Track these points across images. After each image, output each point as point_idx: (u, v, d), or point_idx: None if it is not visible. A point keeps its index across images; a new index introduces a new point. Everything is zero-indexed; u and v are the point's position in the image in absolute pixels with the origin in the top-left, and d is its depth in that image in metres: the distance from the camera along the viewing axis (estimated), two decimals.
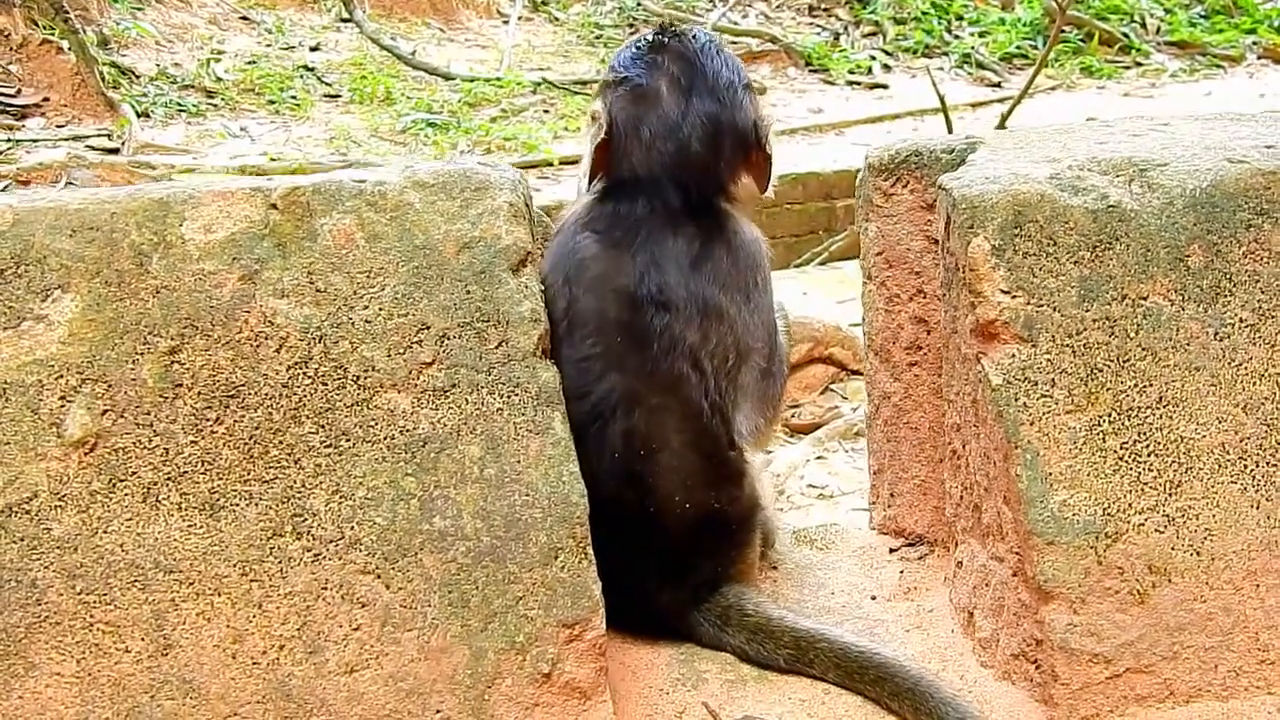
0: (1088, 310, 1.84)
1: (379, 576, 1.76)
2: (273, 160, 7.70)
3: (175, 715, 1.70)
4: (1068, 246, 1.86)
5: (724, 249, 2.03)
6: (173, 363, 1.77)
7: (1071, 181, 1.90)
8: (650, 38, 2.14)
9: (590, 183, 2.11)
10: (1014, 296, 1.84)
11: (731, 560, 2.05)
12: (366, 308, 1.82)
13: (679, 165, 2.04)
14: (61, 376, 1.74)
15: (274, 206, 1.84)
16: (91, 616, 1.71)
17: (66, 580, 1.71)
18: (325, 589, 1.75)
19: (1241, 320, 1.86)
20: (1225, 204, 1.89)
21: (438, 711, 1.75)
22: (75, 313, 1.77)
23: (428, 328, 1.82)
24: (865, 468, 2.43)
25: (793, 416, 4.62)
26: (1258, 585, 1.83)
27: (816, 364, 4.73)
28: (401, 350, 1.81)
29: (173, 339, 1.77)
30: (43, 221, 1.79)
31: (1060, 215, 1.86)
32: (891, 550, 2.30)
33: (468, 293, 1.84)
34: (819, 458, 4.33)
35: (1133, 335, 1.84)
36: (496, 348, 1.83)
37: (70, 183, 7.37)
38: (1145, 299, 1.85)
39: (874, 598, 2.18)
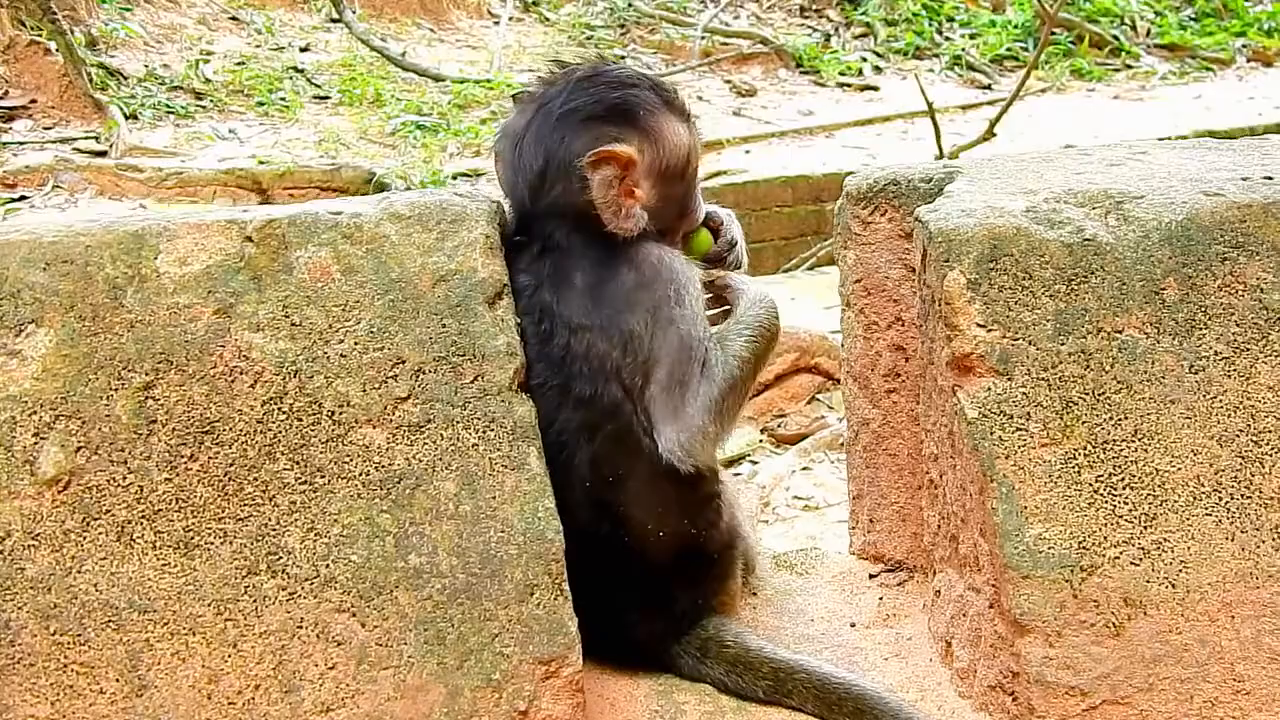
0: (1063, 344, 1.84)
1: (354, 615, 1.76)
2: (261, 163, 7.69)
3: None
4: (1043, 280, 1.86)
5: (626, 270, 2.00)
6: (147, 398, 1.77)
7: (1048, 215, 1.90)
8: (564, 63, 2.16)
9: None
10: (989, 330, 1.84)
11: (713, 593, 2.05)
12: (342, 342, 1.82)
13: (519, 191, 2.06)
14: (35, 413, 1.74)
15: (249, 239, 1.84)
16: (66, 657, 1.70)
17: (40, 621, 1.70)
18: (301, 627, 1.75)
19: (1216, 353, 1.86)
20: (1201, 237, 1.89)
21: None
22: (49, 347, 1.76)
23: (403, 362, 1.82)
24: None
25: (779, 426, 4.62)
26: (1233, 617, 1.84)
27: (802, 373, 4.72)
28: (377, 385, 1.81)
29: (147, 374, 1.77)
30: (16, 254, 1.79)
31: (1036, 249, 1.86)
32: (871, 576, 2.30)
33: (443, 326, 1.84)
34: (805, 468, 4.34)
35: (1108, 368, 1.84)
36: (472, 382, 1.83)
37: (58, 185, 7.37)
38: (1120, 332, 1.86)
39: (853, 625, 2.18)
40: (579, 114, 2.03)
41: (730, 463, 4.29)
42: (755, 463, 4.40)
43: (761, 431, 4.63)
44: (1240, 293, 1.88)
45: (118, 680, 1.71)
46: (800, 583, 2.33)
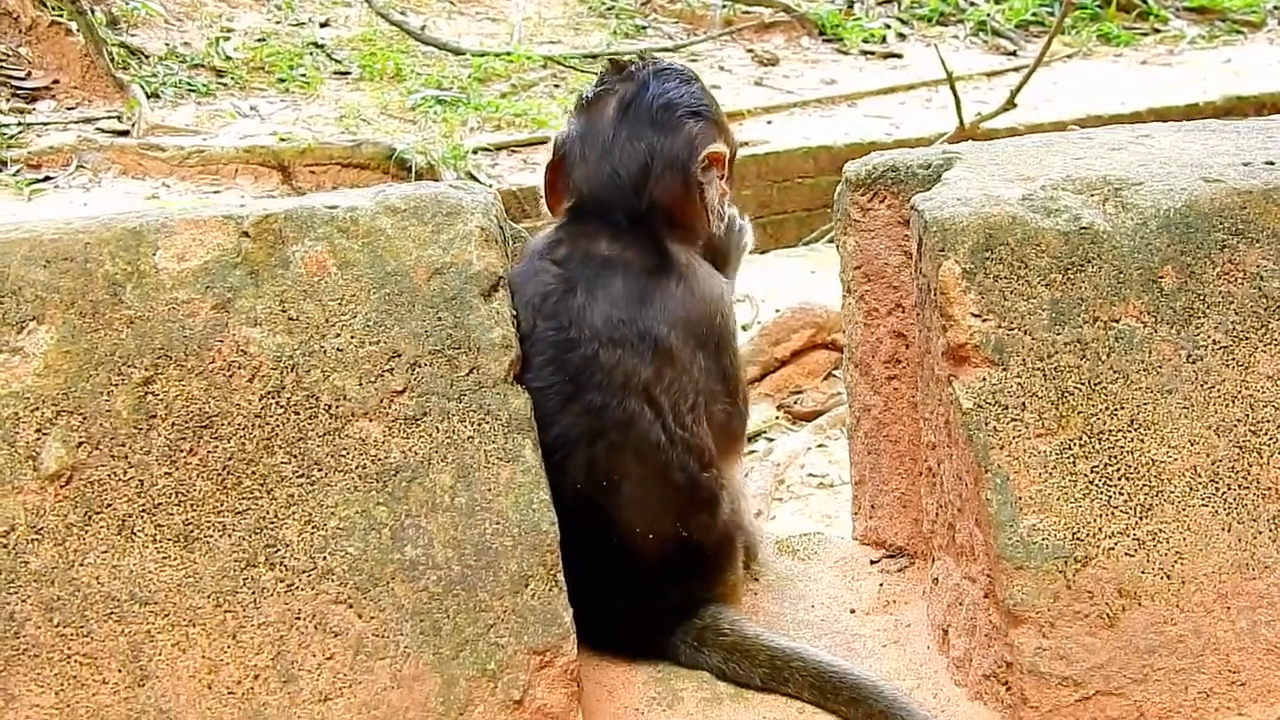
0: (1059, 333, 1.84)
1: (351, 606, 1.78)
2: (282, 140, 7.71)
3: None
4: (1039, 269, 1.85)
5: (675, 285, 1.99)
6: (147, 393, 1.78)
7: (1044, 203, 1.89)
8: (618, 62, 2.14)
9: (546, 205, 2.12)
10: (985, 320, 1.84)
11: (709, 585, 2.05)
12: (338, 336, 1.83)
13: (612, 190, 2.02)
14: (38, 409, 1.76)
15: (246, 234, 1.85)
16: (69, 648, 1.73)
17: (44, 613, 1.73)
18: (299, 619, 1.77)
19: (1215, 342, 1.85)
20: (1200, 224, 1.87)
21: None
22: (50, 344, 1.78)
23: (399, 355, 1.83)
24: None
25: (795, 403, 4.62)
26: (1228, 608, 1.83)
27: (819, 350, 4.71)
28: (373, 378, 1.82)
29: (146, 369, 1.79)
30: (17, 253, 1.81)
31: (1032, 237, 1.85)
32: (872, 562, 2.31)
33: (439, 319, 1.85)
34: (820, 445, 4.34)
35: (1104, 358, 1.84)
36: (467, 375, 1.84)
37: (81, 166, 7.41)
38: (1117, 321, 1.85)
39: (853, 611, 2.19)
40: (679, 108, 2.04)
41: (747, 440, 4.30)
42: (771, 440, 4.41)
43: (778, 408, 4.63)
44: (1239, 281, 1.87)
45: (120, 671, 1.73)
46: (802, 568, 2.34)
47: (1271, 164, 1.95)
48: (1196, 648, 1.83)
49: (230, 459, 1.79)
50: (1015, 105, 6.74)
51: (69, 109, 8.02)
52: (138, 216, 1.88)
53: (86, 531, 1.75)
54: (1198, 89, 9.50)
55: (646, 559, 1.99)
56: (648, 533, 1.97)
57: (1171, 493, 1.83)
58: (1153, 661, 1.82)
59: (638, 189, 2.02)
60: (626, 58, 2.17)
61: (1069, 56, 10.72)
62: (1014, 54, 10.99)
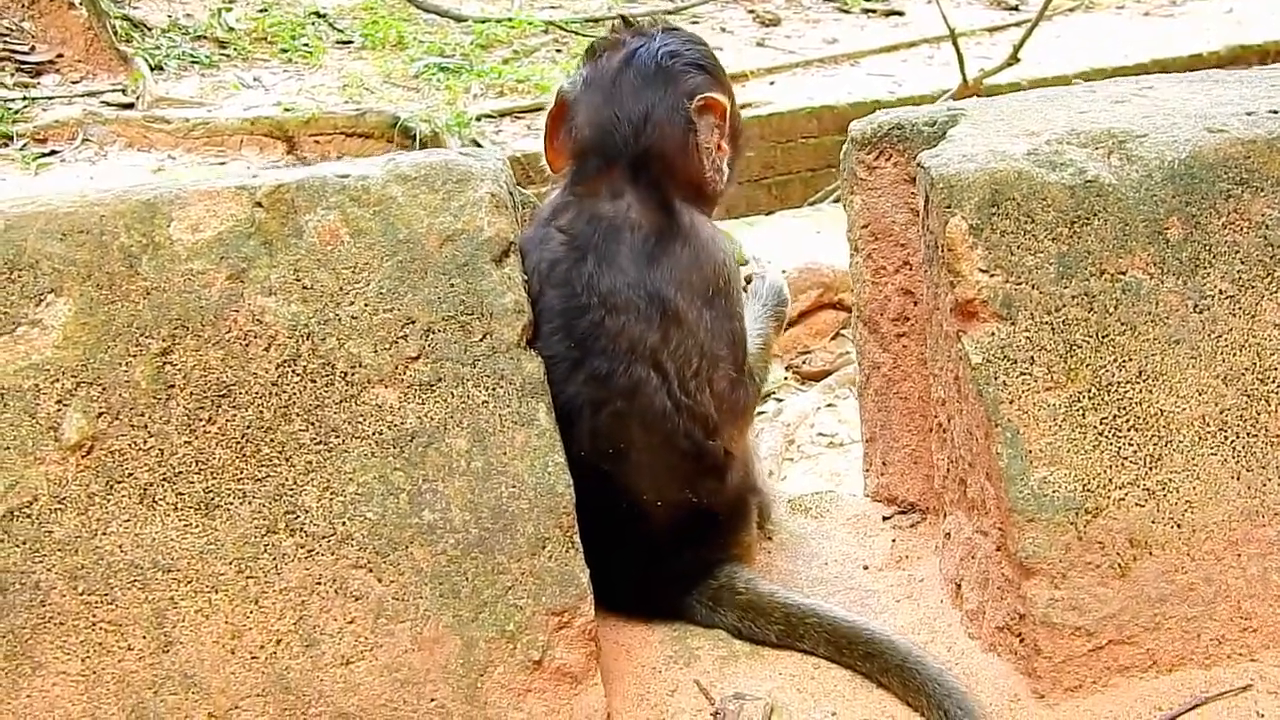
0: (1066, 287, 1.85)
1: (371, 570, 1.80)
2: (287, 110, 7.70)
3: (178, 710, 1.76)
4: (1045, 223, 1.86)
5: (680, 247, 2.00)
6: (165, 364, 1.80)
7: (1050, 157, 1.90)
8: (630, 19, 2.18)
9: (545, 156, 2.15)
10: (992, 275, 1.85)
11: (723, 546, 2.07)
12: (353, 303, 1.84)
13: (612, 134, 2.05)
14: (57, 380, 1.78)
15: (259, 204, 1.87)
16: (94, 616, 1.76)
17: (69, 581, 1.76)
18: (319, 584, 1.79)
19: (1221, 291, 1.86)
20: (1204, 175, 1.88)
21: (432, 700, 1.80)
22: (68, 316, 1.80)
23: (413, 322, 1.85)
24: None
25: (804, 363, 4.63)
26: (1239, 555, 1.85)
27: (826, 310, 4.73)
28: (388, 345, 1.84)
29: (164, 340, 1.81)
30: (34, 226, 1.82)
31: (1038, 192, 1.86)
32: (884, 518, 2.33)
33: (451, 286, 1.86)
34: (829, 405, 4.36)
35: (1112, 310, 1.85)
36: (481, 340, 1.86)
37: (87, 139, 7.41)
38: (1124, 273, 1.86)
39: (866, 567, 2.21)
40: (682, 59, 2.09)
41: None
42: (781, 400, 4.42)
43: (786, 369, 4.65)
44: (1245, 230, 1.88)
45: (145, 637, 1.76)
46: (815, 526, 2.36)
47: (1276, 113, 1.95)
48: (1208, 595, 1.85)
49: (249, 427, 1.81)
50: (1018, 60, 6.71)
51: (73, 83, 8.02)
52: (151, 189, 1.89)
53: (108, 500, 1.78)
54: (1200, 39, 9.45)
55: (658, 523, 2.01)
56: (657, 499, 1.99)
57: (1180, 442, 1.84)
58: (1164, 610, 1.84)
59: (637, 132, 2.04)
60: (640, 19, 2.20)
61: (1071, 9, 10.66)
62: (1016, 8, 10.93)
